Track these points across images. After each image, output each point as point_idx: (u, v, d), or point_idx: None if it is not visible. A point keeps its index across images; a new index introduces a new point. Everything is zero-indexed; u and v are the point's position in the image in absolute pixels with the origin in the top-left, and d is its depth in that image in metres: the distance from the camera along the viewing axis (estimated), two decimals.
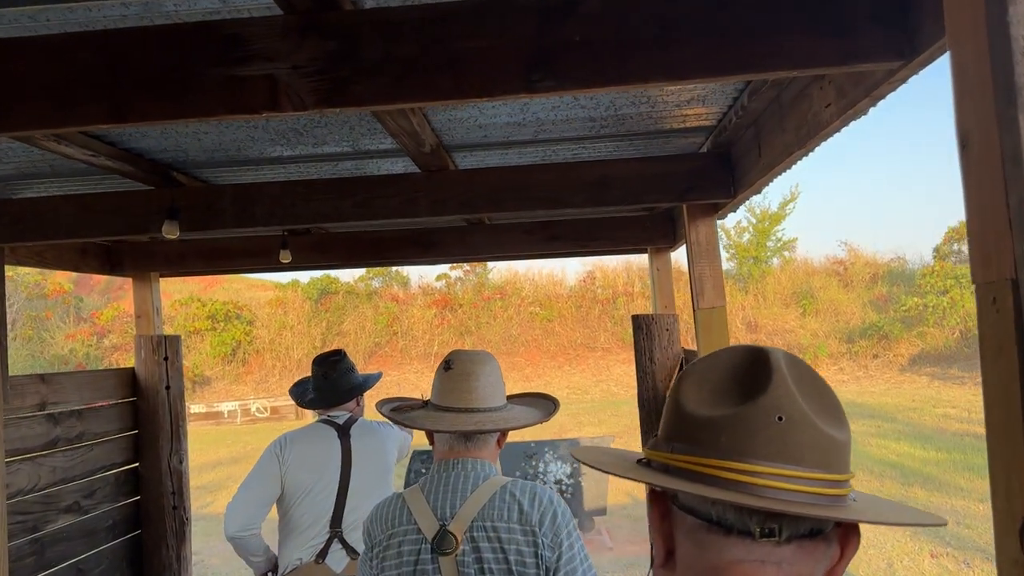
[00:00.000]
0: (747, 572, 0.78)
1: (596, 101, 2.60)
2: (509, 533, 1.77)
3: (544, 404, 2.09)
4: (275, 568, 3.23)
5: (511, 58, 1.63)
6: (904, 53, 1.56)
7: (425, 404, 1.98)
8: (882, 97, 1.83)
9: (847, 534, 0.83)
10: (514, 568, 1.75)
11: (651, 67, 1.58)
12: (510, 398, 2.05)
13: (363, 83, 1.65)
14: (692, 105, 2.72)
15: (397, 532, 1.82)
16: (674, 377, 4.63)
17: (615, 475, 0.91)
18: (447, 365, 1.96)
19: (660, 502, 0.88)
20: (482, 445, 1.91)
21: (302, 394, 3.45)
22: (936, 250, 26.29)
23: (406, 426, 1.96)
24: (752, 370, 0.84)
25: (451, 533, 1.77)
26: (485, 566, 1.75)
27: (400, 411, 2.01)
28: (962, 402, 17.80)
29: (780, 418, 0.79)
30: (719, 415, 0.81)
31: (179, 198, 3.25)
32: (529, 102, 2.58)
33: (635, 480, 0.87)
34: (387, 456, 3.33)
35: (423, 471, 8.88)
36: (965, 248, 25.63)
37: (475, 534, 1.77)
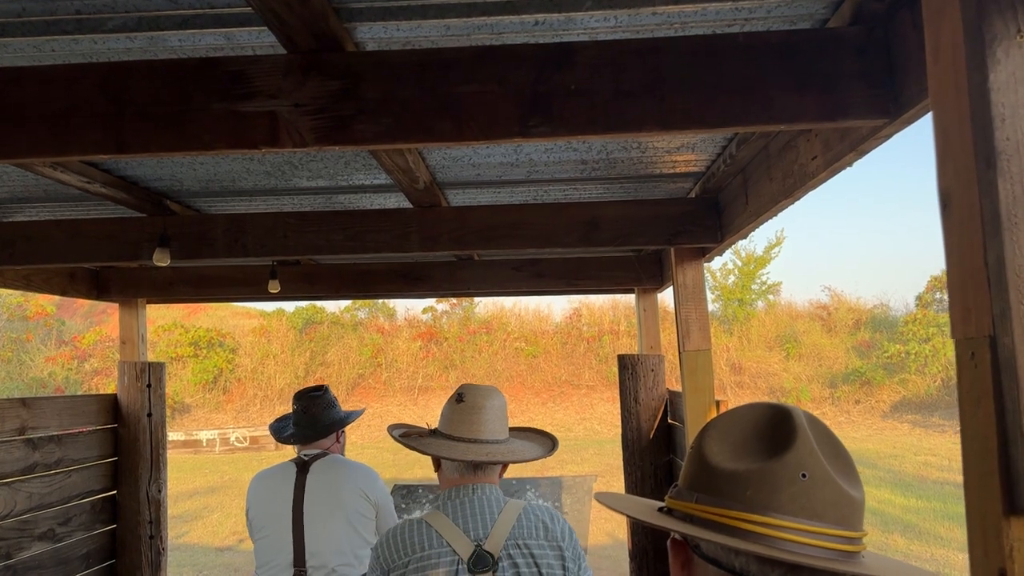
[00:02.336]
0: None
1: (588, 145, 2.65)
2: (540, 549, 1.94)
3: (543, 440, 2.22)
4: None
5: (508, 104, 1.67)
6: (889, 111, 1.61)
7: (433, 432, 2.11)
8: (867, 152, 1.88)
9: None
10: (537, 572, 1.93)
11: (644, 117, 1.63)
12: (511, 431, 2.17)
13: (364, 123, 1.69)
14: (682, 152, 2.78)
15: (427, 555, 1.89)
16: (658, 416, 4.65)
17: (641, 522, 0.94)
18: (459, 398, 2.09)
19: (681, 551, 0.90)
20: (490, 473, 2.04)
21: (281, 430, 3.39)
22: (919, 298, 26.53)
23: (417, 450, 2.06)
24: (776, 427, 0.87)
25: (488, 552, 1.90)
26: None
27: (408, 436, 2.12)
28: (943, 450, 17.85)
29: (804, 475, 0.83)
30: (744, 469, 0.85)
31: (171, 226, 3.26)
32: (523, 145, 2.63)
33: (662, 528, 0.90)
34: (341, 492, 3.12)
35: (403, 505, 8.79)
36: (947, 297, 25.90)
37: (511, 552, 1.92)
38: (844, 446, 0.90)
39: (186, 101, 1.72)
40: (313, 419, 3.23)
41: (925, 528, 11.22)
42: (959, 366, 1.20)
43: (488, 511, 1.96)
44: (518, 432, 2.21)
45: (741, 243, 29.66)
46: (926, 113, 1.60)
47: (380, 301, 27.99)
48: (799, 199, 2.36)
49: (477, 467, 2.02)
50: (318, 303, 26.95)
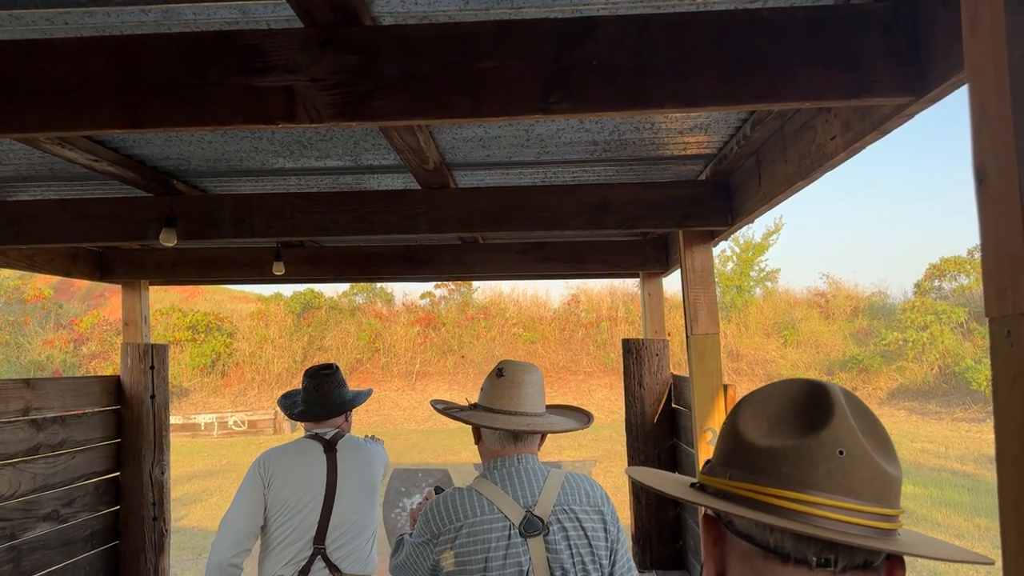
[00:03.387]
0: None
1: (601, 125, 2.63)
2: (585, 514, 2.06)
3: (578, 415, 2.33)
4: None
5: (528, 79, 1.65)
6: (915, 89, 1.59)
7: (473, 406, 2.20)
8: (888, 131, 1.86)
9: (893, 567, 0.85)
10: (592, 542, 2.05)
11: (667, 93, 1.61)
12: (547, 408, 2.28)
13: (381, 99, 1.66)
14: (694, 133, 2.76)
15: (479, 520, 1.99)
16: (662, 401, 4.64)
17: (674, 497, 0.92)
18: (499, 372, 2.20)
19: (714, 527, 0.89)
20: (529, 444, 2.15)
21: (291, 406, 3.41)
22: (917, 286, 26.56)
23: (462, 420, 2.16)
24: (812, 404, 0.86)
25: (538, 517, 2.02)
26: (571, 543, 2.03)
27: (451, 409, 2.22)
28: (939, 438, 17.93)
29: (841, 452, 0.82)
30: (780, 446, 0.84)
31: (177, 206, 3.24)
32: (534, 123, 2.60)
33: (696, 504, 0.89)
34: (374, 473, 3.28)
35: (402, 489, 8.82)
36: (946, 284, 25.93)
37: (559, 516, 2.03)
38: (881, 422, 0.89)
39: (201, 75, 1.69)
40: (324, 397, 3.24)
41: (922, 514, 11.27)
42: (993, 345, 1.18)
43: (534, 479, 2.06)
44: (554, 408, 2.32)
45: (740, 230, 29.64)
46: (953, 91, 1.59)
47: (378, 286, 27.96)
48: (815, 181, 2.34)
49: (517, 438, 2.12)
50: (316, 288, 26.91)
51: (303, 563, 3.05)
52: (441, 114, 1.66)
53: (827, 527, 0.80)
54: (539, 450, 2.21)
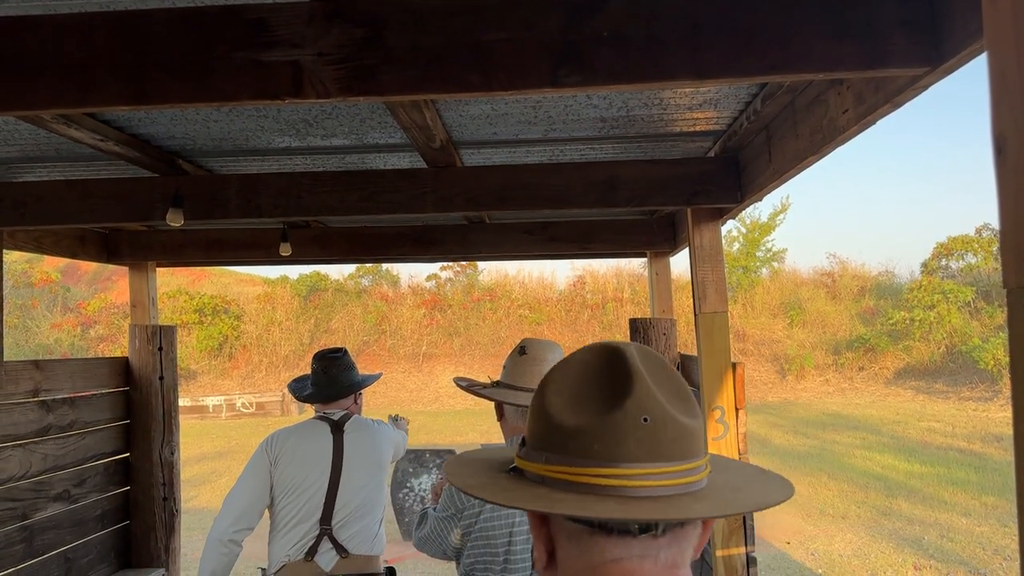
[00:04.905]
0: (628, 569, 0.83)
1: (609, 101, 2.61)
2: None
3: None
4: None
5: (538, 52, 1.63)
6: (931, 59, 1.57)
7: (496, 384, 2.26)
8: (902, 104, 1.84)
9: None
10: None
11: (679, 65, 1.58)
12: None
13: (389, 73, 1.64)
14: (704, 108, 2.73)
15: None
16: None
17: (492, 503, 0.92)
18: (522, 350, 2.26)
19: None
20: None
21: (300, 389, 3.43)
22: (924, 265, 26.45)
23: (485, 397, 2.22)
24: (611, 372, 0.87)
25: None
26: None
27: (474, 387, 2.29)
28: (946, 416, 17.91)
29: (646, 419, 0.83)
30: (587, 423, 0.84)
31: (184, 186, 3.23)
32: (542, 100, 2.58)
33: (517, 508, 0.87)
34: (381, 453, 3.28)
35: (410, 469, 8.86)
36: (953, 264, 25.81)
37: None
38: (677, 373, 0.90)
39: (207, 51, 1.68)
40: (333, 380, 3.26)
41: (929, 493, 11.28)
42: (1011, 316, 1.17)
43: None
44: None
45: (747, 210, 29.51)
46: (969, 61, 1.56)
47: (384, 268, 27.98)
48: (826, 155, 2.32)
49: None
50: (322, 270, 26.97)
51: (310, 543, 3.07)
52: (450, 88, 1.64)
53: (645, 494, 0.82)
54: None
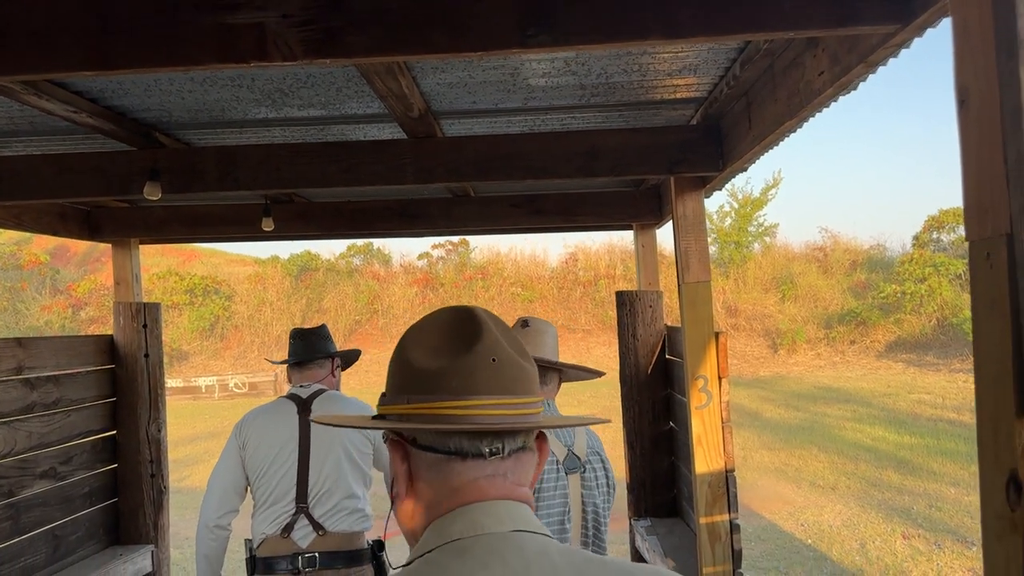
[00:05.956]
0: (483, 486, 0.98)
1: (588, 68, 2.58)
2: (602, 460, 2.41)
3: (590, 372, 2.67)
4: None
5: (505, 12, 1.60)
6: (901, 15, 1.55)
7: None
8: (876, 64, 1.82)
9: (540, 441, 1.07)
10: (609, 484, 2.44)
11: (649, 24, 1.57)
12: (563, 364, 2.59)
13: (354, 34, 1.62)
14: (683, 75, 2.71)
15: None
16: (656, 352, 4.64)
17: (358, 428, 1.14)
18: (524, 323, 2.49)
19: (400, 447, 1.03)
20: (551, 390, 2.50)
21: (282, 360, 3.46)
22: (915, 238, 26.52)
23: None
24: (463, 326, 1.04)
25: (576, 455, 2.32)
26: (597, 480, 2.35)
27: None
28: (937, 388, 18.04)
29: (494, 360, 1.00)
30: (446, 365, 1.00)
31: (161, 159, 3.20)
32: (520, 67, 2.56)
33: (384, 428, 1.04)
34: (347, 430, 3.19)
35: None
36: (944, 236, 25.89)
37: (590, 457, 2.36)
38: (513, 333, 1.09)
39: (172, 14, 1.65)
40: (307, 344, 3.30)
41: (918, 463, 11.38)
42: (972, 269, 1.17)
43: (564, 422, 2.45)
44: (566, 365, 2.61)
45: (738, 185, 29.46)
46: (940, 18, 1.55)
47: (376, 247, 27.92)
48: (805, 120, 2.31)
49: (545, 382, 2.41)
50: (313, 250, 26.90)
51: (286, 521, 3.10)
52: (417, 50, 1.63)
53: (492, 422, 0.98)
54: (556, 395, 2.53)
